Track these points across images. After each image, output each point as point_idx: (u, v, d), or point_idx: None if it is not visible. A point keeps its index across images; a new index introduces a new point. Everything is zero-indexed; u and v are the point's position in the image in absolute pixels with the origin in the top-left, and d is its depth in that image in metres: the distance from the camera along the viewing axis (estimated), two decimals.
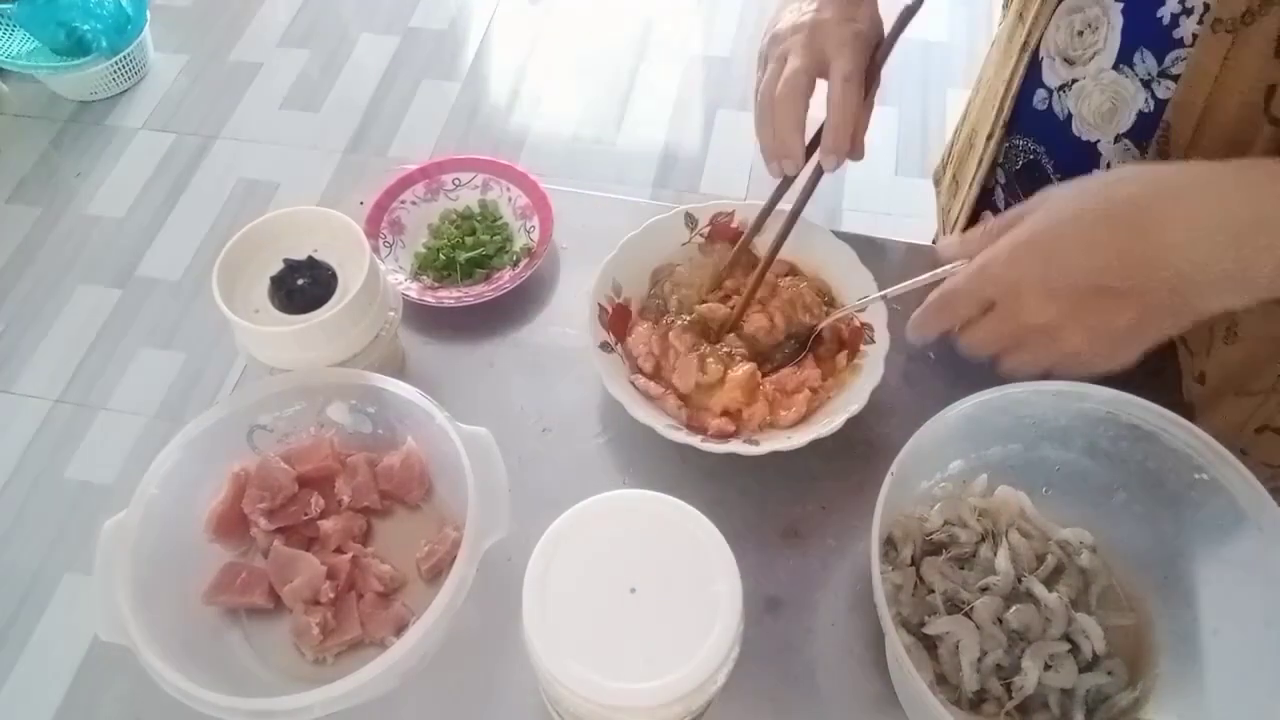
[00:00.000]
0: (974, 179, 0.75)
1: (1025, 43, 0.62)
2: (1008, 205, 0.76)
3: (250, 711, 0.50)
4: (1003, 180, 0.75)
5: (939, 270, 0.57)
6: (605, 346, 0.69)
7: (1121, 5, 0.56)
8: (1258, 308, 0.61)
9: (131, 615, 0.53)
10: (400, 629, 0.59)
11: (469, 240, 0.80)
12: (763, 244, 0.72)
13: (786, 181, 0.69)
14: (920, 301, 0.56)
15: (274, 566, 0.61)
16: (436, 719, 0.60)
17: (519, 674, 0.61)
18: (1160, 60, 0.54)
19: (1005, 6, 0.71)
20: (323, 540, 0.62)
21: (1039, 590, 0.56)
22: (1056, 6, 0.60)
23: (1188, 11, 0.52)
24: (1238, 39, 0.49)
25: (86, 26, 2.04)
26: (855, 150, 0.64)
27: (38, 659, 1.43)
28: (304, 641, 0.59)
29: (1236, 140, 0.52)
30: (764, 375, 0.68)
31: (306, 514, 0.63)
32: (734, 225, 0.75)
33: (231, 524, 0.62)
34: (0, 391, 1.73)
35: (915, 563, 0.59)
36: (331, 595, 0.59)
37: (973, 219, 0.79)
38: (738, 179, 1.96)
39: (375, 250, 0.76)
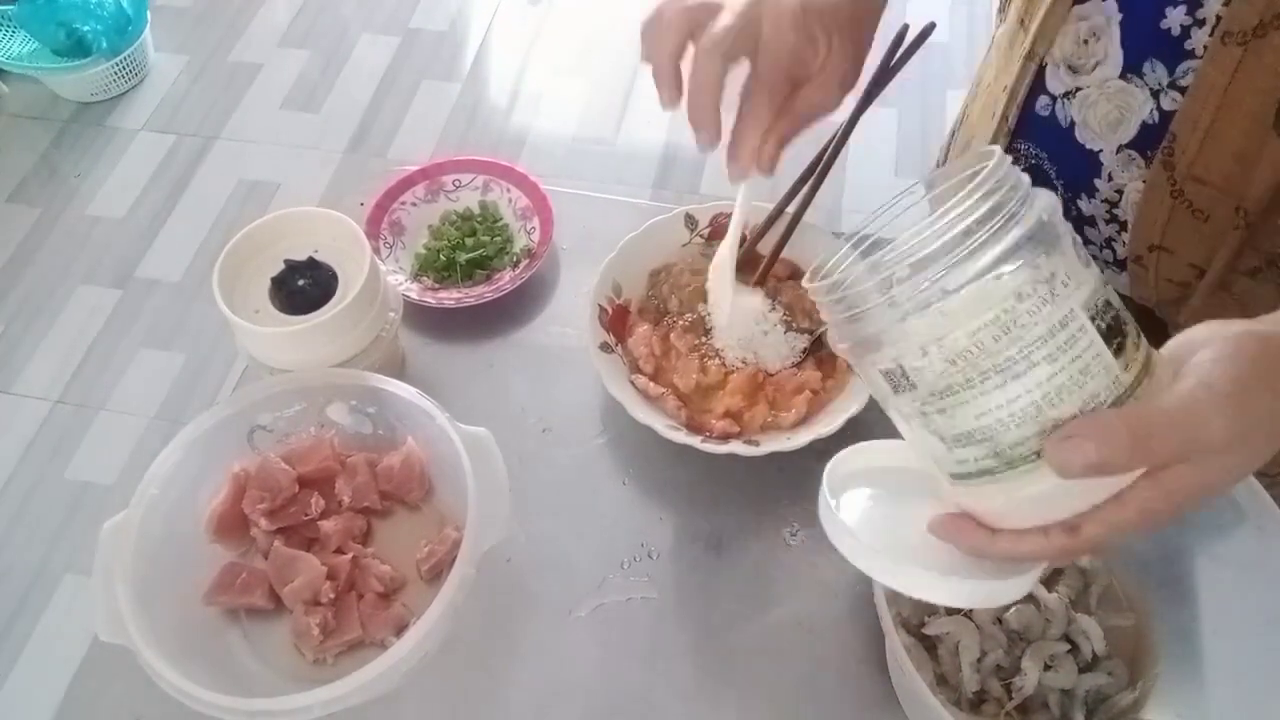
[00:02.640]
0: None
1: (1031, 50, 0.62)
2: None
3: (250, 711, 0.50)
4: None
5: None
6: (605, 347, 0.69)
7: (1120, 16, 0.55)
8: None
9: (131, 615, 0.53)
10: (400, 629, 0.59)
11: (469, 241, 0.80)
12: (765, 246, 0.73)
13: (795, 186, 0.69)
14: None
15: (274, 567, 0.61)
16: (437, 719, 0.60)
17: (519, 674, 0.61)
18: (1171, 71, 0.54)
19: (1001, 11, 0.71)
20: (323, 541, 0.62)
21: (1039, 591, 0.56)
22: (1068, 13, 0.59)
23: (1199, 23, 0.51)
24: (1248, 52, 0.49)
25: (87, 27, 2.04)
26: (762, 164, 0.56)
27: (38, 659, 1.43)
28: (304, 642, 0.59)
29: (1243, 155, 0.52)
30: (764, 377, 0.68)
31: (307, 514, 0.63)
32: None
33: (232, 524, 0.62)
34: (0, 392, 1.73)
35: None
36: (331, 596, 0.59)
37: None
38: None
39: (375, 251, 0.76)
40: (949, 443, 0.36)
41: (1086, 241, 0.68)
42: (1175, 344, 0.39)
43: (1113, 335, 0.34)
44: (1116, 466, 0.34)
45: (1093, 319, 0.34)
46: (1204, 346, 0.37)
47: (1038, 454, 0.35)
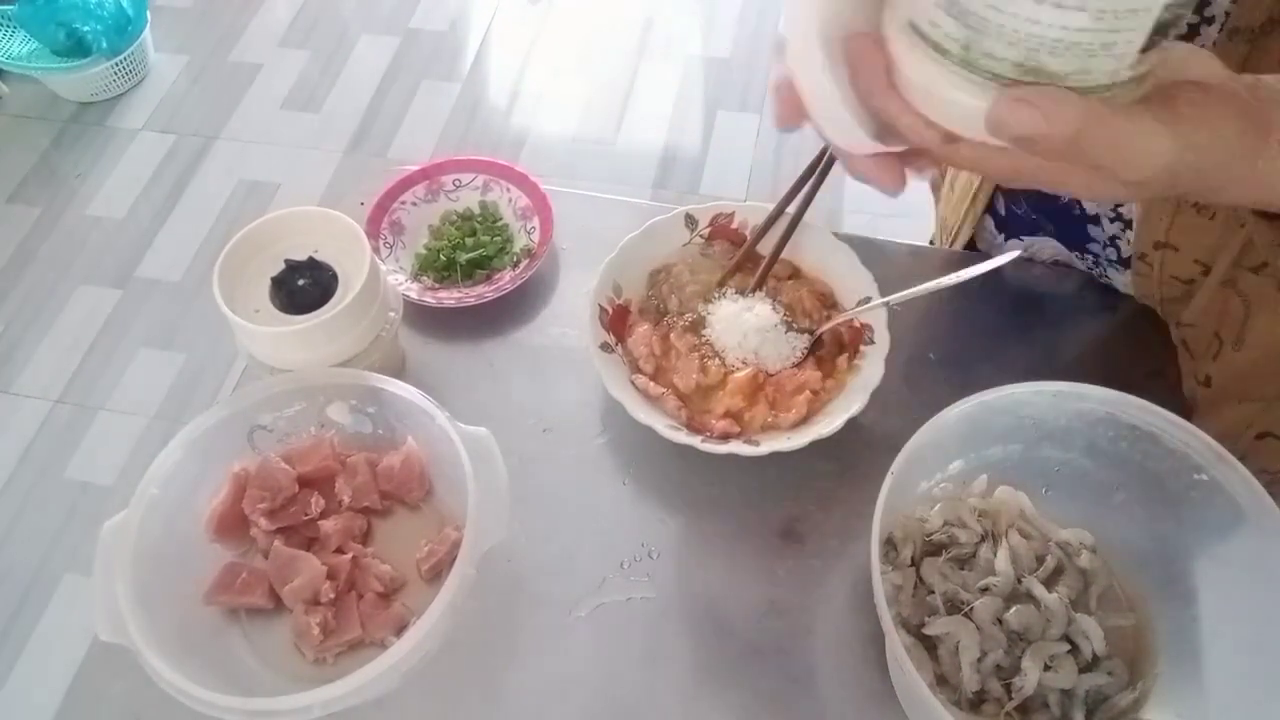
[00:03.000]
0: (977, 191, 0.75)
1: None
2: (1009, 211, 0.76)
3: (250, 711, 0.50)
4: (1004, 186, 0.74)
5: (943, 280, 0.57)
6: (605, 347, 0.69)
7: None
8: (1267, 316, 0.60)
9: (131, 615, 0.53)
10: (400, 629, 0.59)
11: (469, 241, 0.80)
12: (765, 246, 0.73)
13: (796, 186, 0.69)
14: (922, 304, 0.56)
15: (274, 566, 0.61)
16: (436, 719, 0.60)
17: (519, 674, 0.61)
18: None
19: None
20: (323, 540, 0.62)
21: (1039, 591, 0.56)
22: None
23: (1208, 21, 0.51)
24: (1255, 49, 0.49)
25: (87, 27, 2.04)
26: None
27: (38, 659, 1.43)
28: (304, 641, 0.59)
29: None
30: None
31: (307, 514, 0.63)
32: (734, 226, 0.75)
33: (232, 524, 0.62)
34: (0, 391, 1.73)
35: (915, 563, 0.59)
36: (331, 595, 0.59)
37: (975, 228, 0.79)
38: (738, 180, 1.96)
39: (376, 251, 0.76)
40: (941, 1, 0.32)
41: (1090, 240, 0.68)
42: (1181, 54, 0.36)
43: (1157, 32, 0.31)
44: (1046, 151, 0.33)
45: (1165, 9, 0.30)
46: (1194, 71, 0.35)
47: (994, 76, 0.32)
